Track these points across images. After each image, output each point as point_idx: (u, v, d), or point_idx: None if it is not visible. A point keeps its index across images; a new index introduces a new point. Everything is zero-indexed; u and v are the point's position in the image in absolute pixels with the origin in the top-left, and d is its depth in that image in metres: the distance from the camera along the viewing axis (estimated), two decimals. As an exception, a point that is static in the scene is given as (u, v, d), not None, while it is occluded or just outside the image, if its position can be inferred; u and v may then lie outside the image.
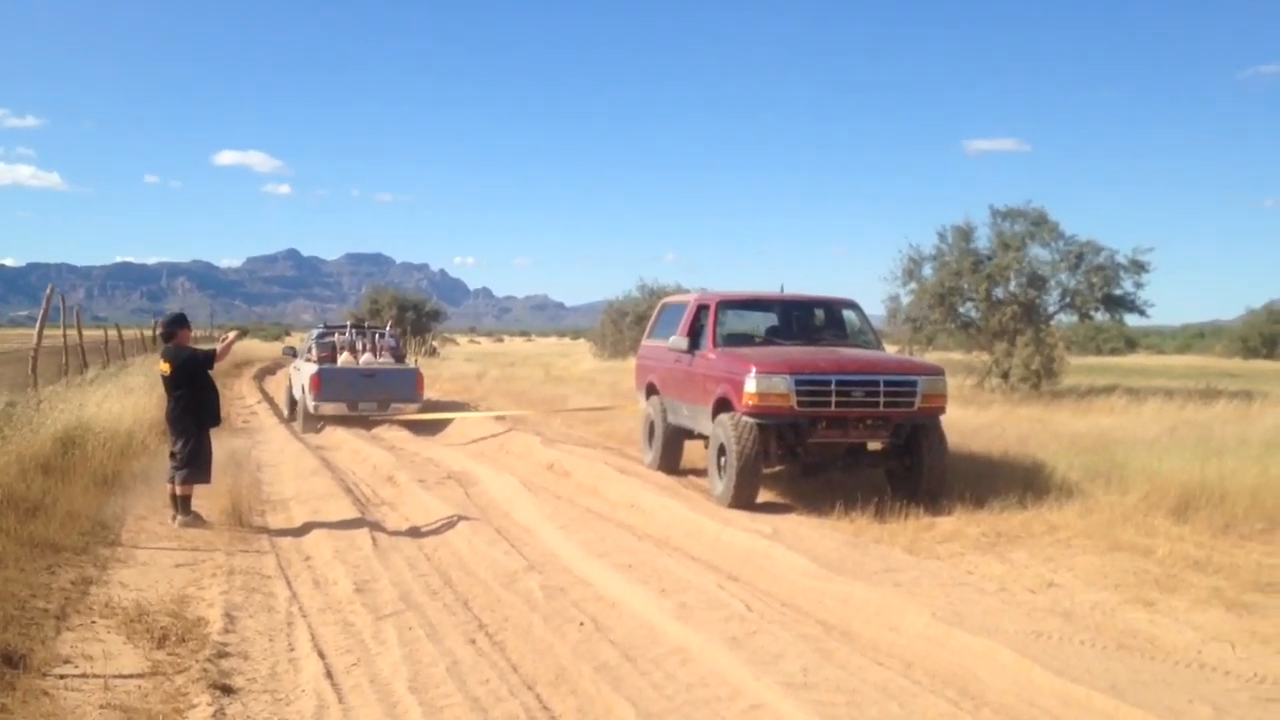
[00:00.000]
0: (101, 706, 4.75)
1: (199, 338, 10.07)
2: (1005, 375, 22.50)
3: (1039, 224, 22.52)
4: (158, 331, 21.40)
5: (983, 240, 22.97)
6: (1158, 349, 63.83)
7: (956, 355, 24.33)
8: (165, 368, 9.21)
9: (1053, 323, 23.15)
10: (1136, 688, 5.04)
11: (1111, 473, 9.94)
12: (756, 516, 9.40)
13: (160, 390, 10.14)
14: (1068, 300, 22.73)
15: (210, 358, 9.33)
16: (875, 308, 23.52)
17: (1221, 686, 5.18)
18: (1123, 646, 5.82)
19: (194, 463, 9.10)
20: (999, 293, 22.41)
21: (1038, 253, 22.58)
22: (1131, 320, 23.90)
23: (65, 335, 20.50)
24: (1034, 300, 22.47)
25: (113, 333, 30.72)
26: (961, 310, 23.10)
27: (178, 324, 9.52)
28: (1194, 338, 74.57)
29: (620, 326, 41.69)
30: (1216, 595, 6.62)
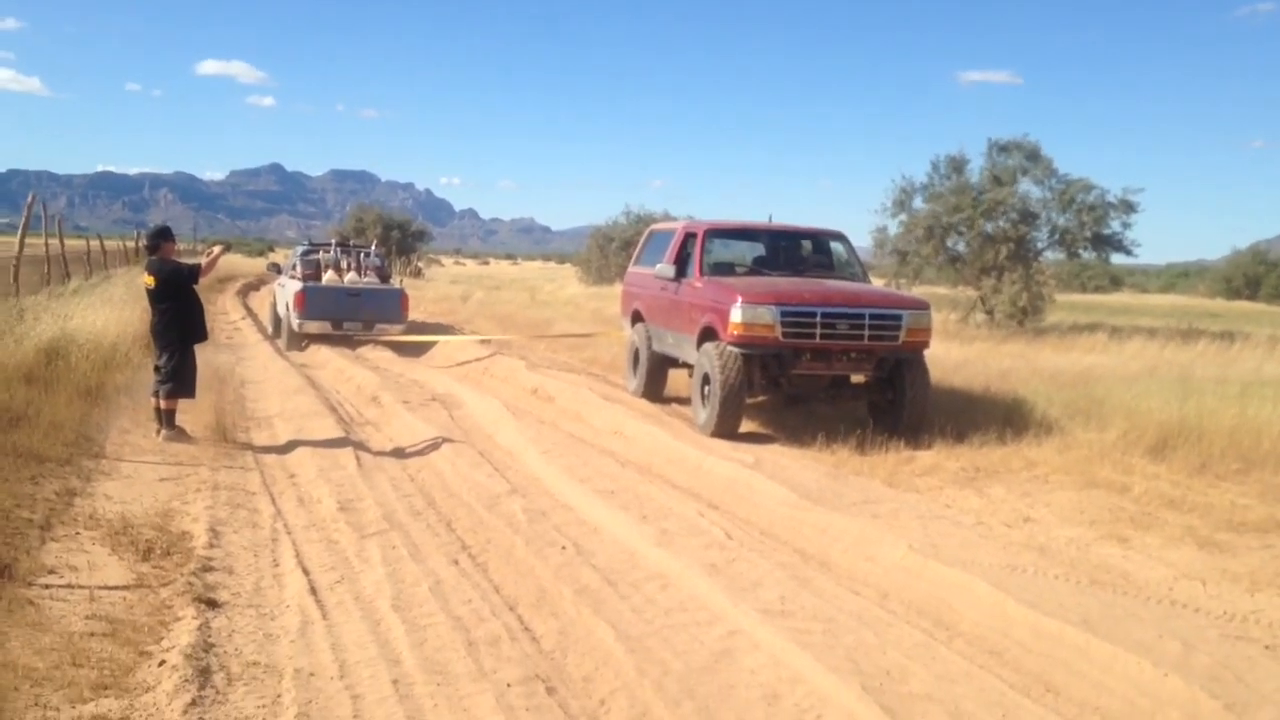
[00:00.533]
0: (87, 617, 4.78)
1: (182, 251, 10.01)
2: (990, 311, 22.58)
3: (1033, 158, 22.45)
4: (142, 244, 21.22)
5: (975, 174, 22.93)
6: (1142, 288, 64.10)
7: (942, 290, 24.36)
8: (149, 281, 9.11)
9: (1041, 259, 23.18)
10: (1108, 622, 5.14)
11: (1091, 410, 10.02)
12: (739, 446, 9.46)
13: (144, 303, 10.07)
14: (1056, 237, 22.74)
15: (195, 272, 9.24)
16: (863, 240, 23.49)
17: (1191, 623, 5.29)
18: (1096, 582, 5.92)
19: (178, 377, 9.06)
20: (990, 227, 22.38)
21: (1030, 189, 22.56)
22: (1117, 259, 23.98)
23: (47, 244, 20.32)
24: (1024, 236, 22.46)
25: (95, 243, 30.47)
26: (949, 244, 23.08)
27: (162, 237, 9.41)
28: (1178, 277, 74.87)
29: (606, 252, 41.54)
30: (1190, 533, 6.73)
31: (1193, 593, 5.75)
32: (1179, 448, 8.80)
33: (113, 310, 13.88)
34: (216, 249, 10.46)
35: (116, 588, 5.26)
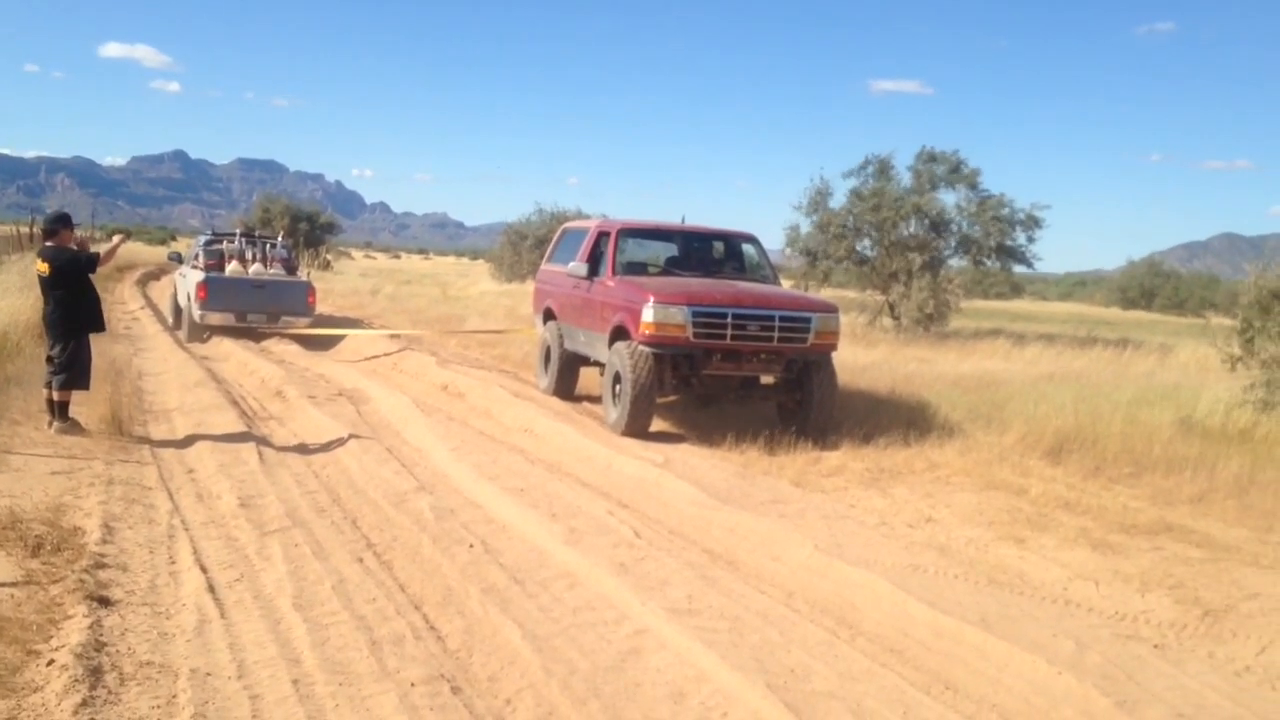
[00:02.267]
0: (-29, 615, 4.61)
1: (80, 239, 9.64)
2: (896, 316, 22.99)
3: (956, 171, 23.03)
4: (38, 230, 20.51)
5: (899, 178, 23.43)
6: (1041, 295, 65.83)
7: (850, 293, 24.71)
8: (44, 268, 8.81)
9: (948, 267, 23.70)
10: (1005, 621, 5.26)
11: (991, 414, 10.27)
12: (649, 445, 9.49)
13: (38, 291, 9.73)
14: (962, 246, 23.30)
15: (93, 261, 8.96)
16: (774, 242, 23.73)
17: (1085, 622, 5.44)
18: (993, 582, 6.06)
19: (73, 368, 8.77)
20: (902, 230, 22.83)
21: (947, 198, 23.12)
22: (1019, 270, 24.65)
23: (-66, 229, 19.51)
24: (932, 242, 22.96)
25: (-14, 229, 29.34)
26: (859, 248, 23.47)
27: (60, 223, 9.10)
28: (1076, 285, 77.15)
29: (519, 249, 41.28)
30: (1084, 535, 6.92)
31: (1086, 593, 5.92)
32: (1075, 451, 9.06)
33: (4, 298, 13.39)
34: (117, 238, 10.16)
35: (3, 584, 5.06)
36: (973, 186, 23.00)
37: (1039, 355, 17.30)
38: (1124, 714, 4.26)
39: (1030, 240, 22.88)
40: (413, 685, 4.29)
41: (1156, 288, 56.17)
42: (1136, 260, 62.00)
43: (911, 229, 22.94)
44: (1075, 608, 5.69)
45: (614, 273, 10.97)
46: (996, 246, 22.68)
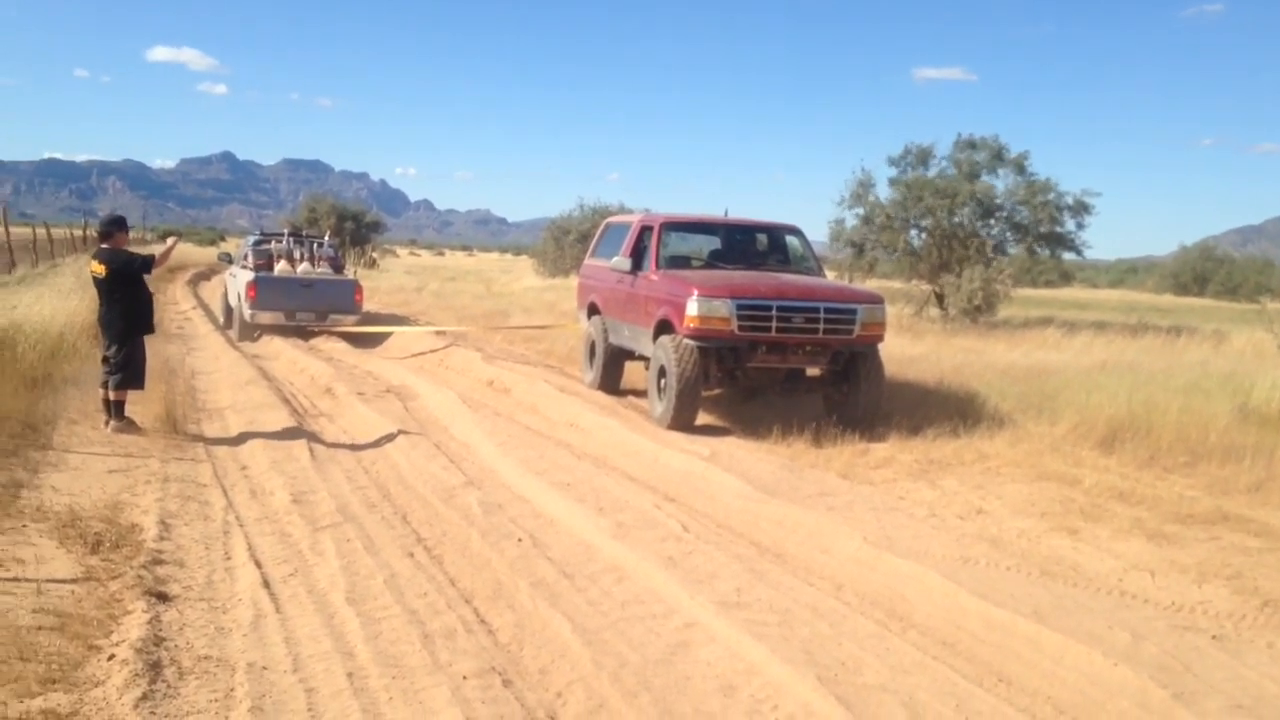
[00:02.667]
0: (34, 610, 4.70)
1: (132, 240, 9.85)
2: (943, 305, 22.78)
3: (998, 156, 22.76)
4: (92, 232, 20.86)
5: (940, 167, 23.20)
6: (1091, 283, 64.92)
7: (896, 284, 24.52)
8: (100, 270, 8.96)
9: (1000, 256, 23.43)
10: (1058, 613, 5.21)
11: (1042, 404, 10.15)
12: (694, 438, 9.48)
13: (93, 292, 9.90)
14: (1015, 233, 23.03)
15: (149, 263, 9.11)
16: (818, 234, 23.60)
17: (1140, 613, 5.37)
18: (1046, 573, 5.99)
19: (128, 368, 8.93)
20: (950, 221, 22.60)
21: (993, 182, 22.85)
22: (1068, 256, 24.33)
23: (-9, 233, 19.93)
24: (983, 230, 22.75)
25: (42, 231, 29.92)
26: (906, 237, 23.28)
27: (116, 226, 9.23)
28: (1127, 273, 75.98)
29: (562, 245, 41.38)
30: (1138, 525, 6.83)
31: (1141, 584, 5.84)
32: (1128, 441, 8.94)
33: (60, 299, 13.66)
34: (171, 240, 10.30)
35: (65, 581, 5.17)
36: (1020, 170, 22.72)
37: (1090, 344, 17.06)
38: (1181, 706, 4.20)
39: (1080, 227, 22.59)
40: (465, 678, 4.33)
41: (1209, 273, 55.18)
42: (1189, 245, 60.97)
43: (963, 217, 22.70)
44: (1131, 599, 5.62)
45: (657, 266, 10.97)
46: (1045, 235, 22.39)
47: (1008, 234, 23.24)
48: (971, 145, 23.12)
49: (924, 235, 23.33)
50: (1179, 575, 5.96)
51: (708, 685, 4.41)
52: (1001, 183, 22.88)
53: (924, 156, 23.15)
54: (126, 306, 9.01)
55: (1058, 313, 26.47)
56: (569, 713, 4.17)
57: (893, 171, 23.39)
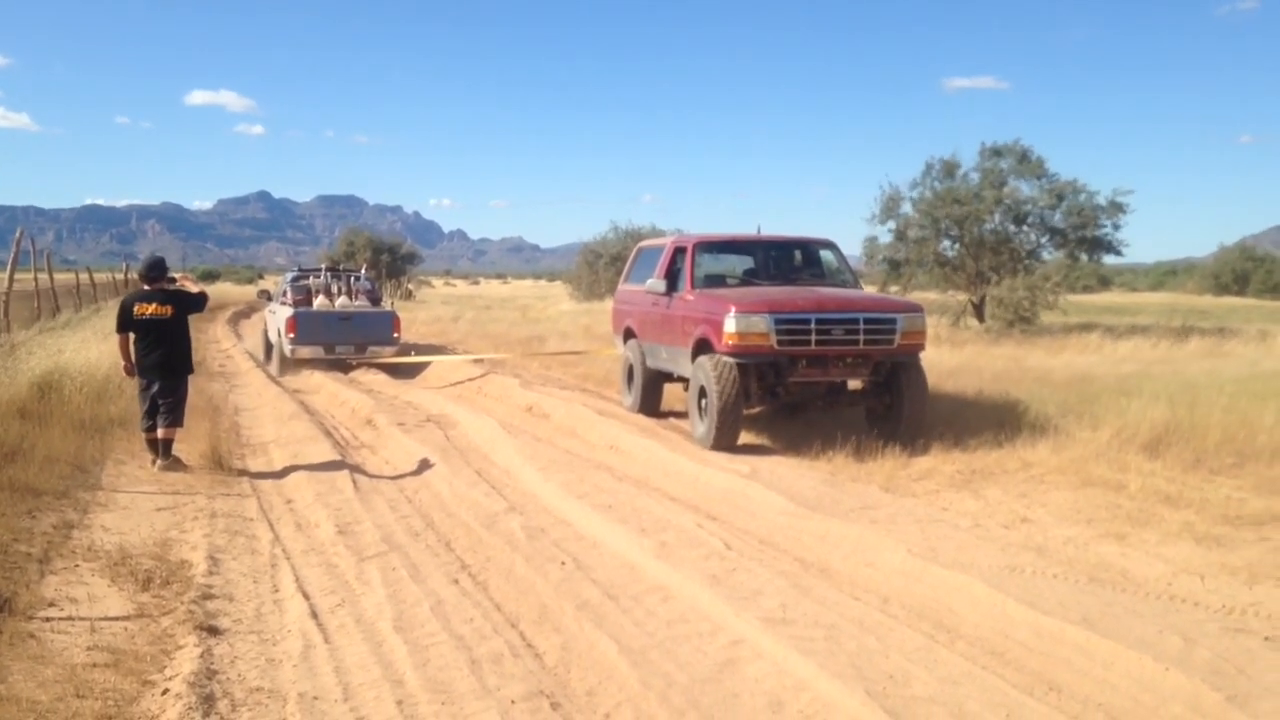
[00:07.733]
0: (89, 648, 4.78)
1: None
2: (980, 315, 22.62)
3: (1023, 161, 22.64)
4: (134, 275, 21.20)
5: (968, 178, 23.09)
6: (1131, 286, 64.29)
7: (932, 295, 24.40)
8: (166, 310, 8.95)
9: (1042, 261, 23.25)
10: (1108, 619, 5.15)
11: (1085, 410, 10.05)
12: (735, 457, 9.47)
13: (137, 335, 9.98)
14: (1049, 239, 22.87)
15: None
16: (854, 249, 23.58)
17: (1191, 617, 5.30)
18: (1094, 580, 5.93)
19: (180, 407, 9.08)
20: (981, 229, 22.48)
21: (1020, 187, 22.72)
22: (1108, 260, 24.14)
23: (36, 279, 20.33)
24: (1015, 236, 22.62)
25: (84, 276, 30.46)
26: (939, 249, 23.17)
27: (160, 269, 9.24)
28: (1167, 275, 75.12)
29: (596, 268, 41.57)
30: (1187, 529, 6.74)
31: (1191, 587, 5.77)
32: (1174, 444, 8.82)
33: (104, 343, 13.87)
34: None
35: (117, 618, 5.25)
36: (1040, 174, 22.58)
37: (1133, 349, 16.90)
38: (1235, 709, 4.14)
39: (1116, 228, 22.40)
40: (513, 702, 4.34)
41: (1250, 272, 54.50)
42: (1228, 245, 60.27)
43: (993, 224, 22.57)
44: (1181, 603, 5.54)
45: (693, 286, 10.98)
46: (1081, 239, 22.21)
47: (1043, 240, 23.08)
48: (997, 153, 23.02)
49: (956, 246, 23.21)
50: (1229, 577, 5.87)
51: (756, 702, 4.40)
52: (1028, 187, 22.78)
53: (950, 169, 23.07)
54: (187, 346, 9.16)
55: (1097, 318, 26.22)
56: (618, 733, 4.18)
57: (915, 193, 23.33)
